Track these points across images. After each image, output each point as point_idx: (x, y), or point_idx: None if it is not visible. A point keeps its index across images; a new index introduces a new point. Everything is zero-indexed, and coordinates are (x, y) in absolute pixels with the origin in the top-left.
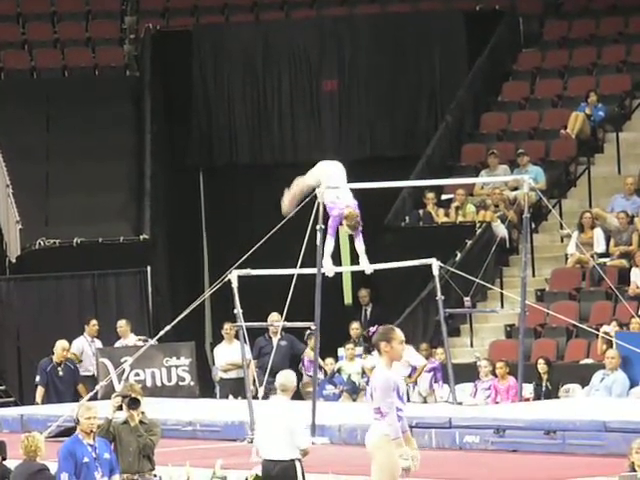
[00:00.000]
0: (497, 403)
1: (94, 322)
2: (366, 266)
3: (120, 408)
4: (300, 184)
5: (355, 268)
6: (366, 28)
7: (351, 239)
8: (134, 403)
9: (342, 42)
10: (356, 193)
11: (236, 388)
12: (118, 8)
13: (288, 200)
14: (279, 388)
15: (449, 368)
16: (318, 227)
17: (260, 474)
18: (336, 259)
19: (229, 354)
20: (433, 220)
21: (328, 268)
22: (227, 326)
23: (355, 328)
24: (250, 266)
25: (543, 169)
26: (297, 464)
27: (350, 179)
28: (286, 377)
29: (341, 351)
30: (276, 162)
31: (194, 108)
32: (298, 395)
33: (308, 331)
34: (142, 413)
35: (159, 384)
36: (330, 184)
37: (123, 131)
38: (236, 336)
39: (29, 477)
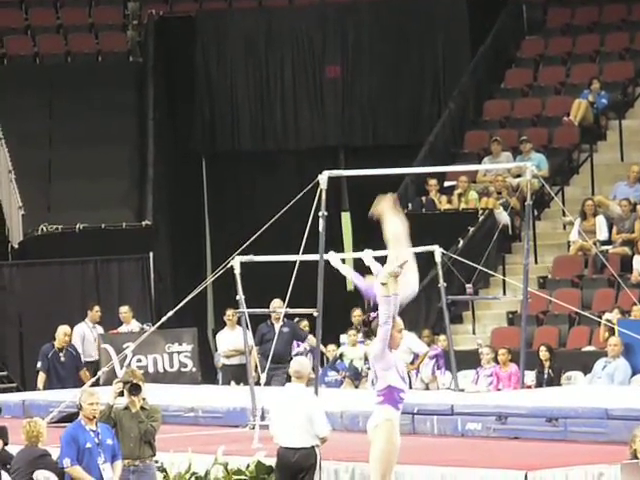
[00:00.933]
0: (499, 390)
1: (97, 308)
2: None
3: (121, 394)
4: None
5: (358, 255)
6: (369, 15)
7: (354, 226)
8: (135, 389)
9: (345, 28)
10: (358, 179)
11: (238, 374)
12: None
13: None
14: (294, 375)
15: (451, 355)
16: (321, 213)
17: (262, 461)
18: (338, 245)
19: (231, 340)
20: (436, 207)
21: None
22: (229, 312)
23: (357, 315)
24: (253, 252)
25: (546, 156)
26: (317, 451)
27: (353, 166)
28: (300, 364)
29: (343, 337)
30: (279, 148)
31: (197, 94)
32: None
33: (297, 318)
34: (143, 399)
35: (161, 370)
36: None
37: (126, 117)
38: (238, 322)
39: (31, 462)
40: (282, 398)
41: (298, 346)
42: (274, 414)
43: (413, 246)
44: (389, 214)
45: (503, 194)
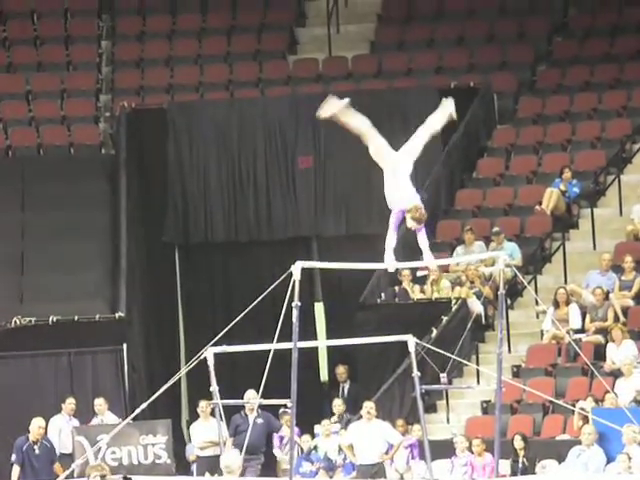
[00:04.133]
0: None
1: (70, 400)
2: (430, 261)
3: None
4: (364, 127)
5: (332, 343)
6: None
7: (327, 317)
8: None
9: (317, 119)
10: (331, 270)
11: (213, 465)
12: (93, 86)
13: (336, 113)
14: (225, 470)
15: (425, 444)
16: (294, 304)
17: None
18: (312, 335)
19: (205, 432)
20: (409, 296)
21: (389, 263)
22: (203, 404)
23: (338, 405)
24: (226, 342)
25: (518, 245)
26: None
27: (326, 256)
28: (230, 458)
29: (317, 428)
30: (252, 239)
31: (169, 185)
32: (274, 473)
33: (281, 409)
34: None
35: (135, 462)
36: (390, 179)
37: (98, 209)
38: (212, 413)
39: None
40: None
41: (281, 444)
42: None
43: (387, 335)
44: (349, 113)
45: (476, 283)
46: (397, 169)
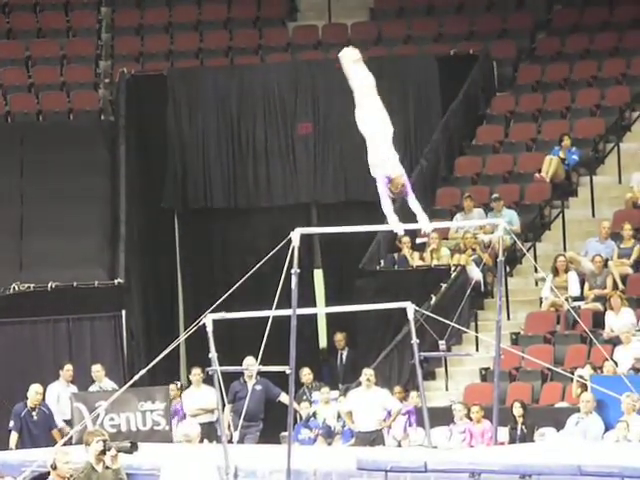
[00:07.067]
0: (472, 447)
1: (68, 367)
2: (425, 225)
3: (103, 452)
4: (365, 83)
5: (331, 310)
6: (340, 72)
7: (326, 283)
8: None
9: (317, 86)
10: (331, 237)
11: (208, 432)
12: (93, 53)
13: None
14: (183, 439)
15: (424, 412)
16: (293, 271)
17: None
18: (311, 302)
19: (197, 399)
20: (408, 264)
21: (395, 224)
22: (195, 371)
23: (306, 374)
24: (225, 309)
25: (517, 212)
26: None
27: (325, 223)
28: (188, 428)
29: (316, 395)
30: (251, 205)
31: (169, 152)
32: (277, 440)
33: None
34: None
35: (134, 429)
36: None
37: (98, 175)
38: (205, 381)
39: None
40: (174, 461)
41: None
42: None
43: (386, 302)
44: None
45: (476, 250)
46: (378, 135)
